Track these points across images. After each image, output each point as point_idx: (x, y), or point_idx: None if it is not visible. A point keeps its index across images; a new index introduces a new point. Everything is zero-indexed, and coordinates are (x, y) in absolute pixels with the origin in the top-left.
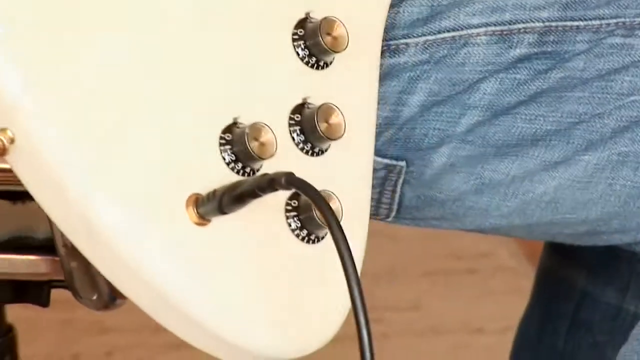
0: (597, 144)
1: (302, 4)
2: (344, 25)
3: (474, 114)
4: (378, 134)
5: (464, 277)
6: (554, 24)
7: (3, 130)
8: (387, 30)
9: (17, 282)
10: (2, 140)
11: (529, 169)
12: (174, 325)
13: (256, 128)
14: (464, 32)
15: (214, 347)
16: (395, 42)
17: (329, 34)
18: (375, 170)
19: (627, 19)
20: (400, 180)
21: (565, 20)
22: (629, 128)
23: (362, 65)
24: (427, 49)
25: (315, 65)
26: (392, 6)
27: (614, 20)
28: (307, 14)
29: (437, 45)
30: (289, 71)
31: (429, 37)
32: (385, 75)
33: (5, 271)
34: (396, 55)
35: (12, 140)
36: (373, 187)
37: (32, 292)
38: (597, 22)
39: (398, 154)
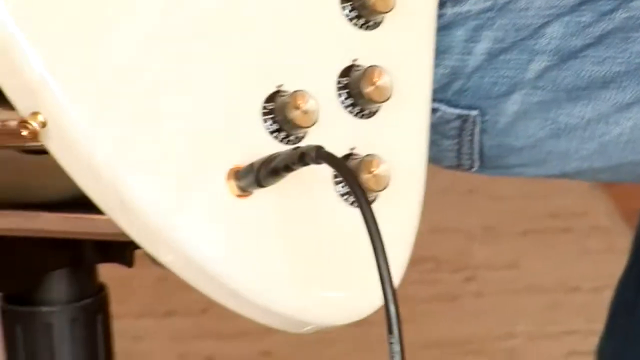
0: None
1: None
2: None
3: (542, 59)
4: (447, 85)
5: (560, 236)
6: None
7: (34, 114)
8: None
9: (100, 242)
10: (33, 125)
11: (603, 111)
12: (222, 298)
13: (297, 96)
14: None
15: (267, 319)
16: None
17: None
18: (448, 121)
19: None
20: (477, 130)
21: None
22: None
23: (415, 22)
24: None
25: (365, 25)
26: None
27: None
28: None
29: None
30: (337, 33)
31: None
32: (448, 25)
33: (88, 230)
34: (459, 5)
35: (43, 124)
36: (450, 137)
37: (116, 252)
38: None
39: (470, 104)
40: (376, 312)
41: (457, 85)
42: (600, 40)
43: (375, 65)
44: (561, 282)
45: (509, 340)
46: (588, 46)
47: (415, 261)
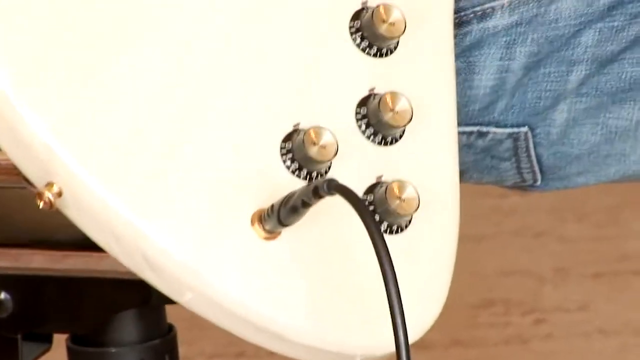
0: None
1: None
2: (399, 8)
3: (581, 68)
4: (491, 105)
5: (631, 279)
6: None
7: (49, 185)
8: None
9: None
10: (48, 197)
11: None
12: (268, 343)
13: (313, 132)
14: None
15: (313, 357)
16: (481, 6)
17: (384, 21)
18: (500, 141)
19: None
20: (531, 144)
21: None
22: None
23: (431, 42)
24: (514, 10)
25: (378, 53)
26: None
27: None
28: (364, 3)
29: (524, 4)
30: (350, 65)
31: None
32: (478, 43)
33: None
34: (484, 20)
35: (59, 194)
36: (506, 159)
37: None
38: None
39: (518, 121)
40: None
41: (501, 104)
42: (635, 42)
43: (391, 91)
44: (632, 326)
45: None
46: (624, 50)
47: (485, 304)
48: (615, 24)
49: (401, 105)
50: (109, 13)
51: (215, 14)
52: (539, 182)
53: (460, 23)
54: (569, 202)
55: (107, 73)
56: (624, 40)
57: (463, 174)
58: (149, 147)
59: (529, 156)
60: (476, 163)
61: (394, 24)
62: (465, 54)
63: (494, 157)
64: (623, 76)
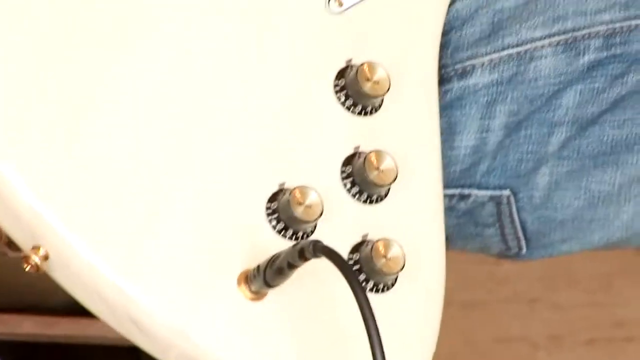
0: None
1: (342, 53)
2: (383, 67)
3: (562, 130)
4: (472, 166)
5: (625, 345)
6: (617, 25)
7: (35, 248)
8: (451, 54)
9: None
10: (35, 260)
11: (632, 175)
12: None
13: (299, 193)
14: (528, 46)
15: None
16: (462, 64)
17: (368, 79)
18: (482, 204)
19: None
20: (514, 209)
21: (630, 20)
22: None
23: (416, 101)
24: (494, 68)
25: (363, 112)
26: (454, 29)
27: None
28: (348, 61)
29: (504, 63)
30: (335, 123)
31: (494, 56)
32: (458, 100)
33: None
34: (465, 78)
35: (45, 257)
36: (490, 225)
37: None
38: None
39: (500, 184)
40: None
41: (483, 166)
42: (616, 104)
43: (376, 150)
44: None
45: None
46: (605, 111)
47: None
48: (596, 85)
49: (386, 163)
50: (82, 78)
51: (199, 73)
52: (524, 251)
53: (441, 80)
54: (561, 270)
55: (88, 135)
56: (604, 102)
57: (448, 241)
58: (135, 209)
59: (512, 221)
60: (460, 228)
61: (378, 82)
62: (447, 113)
63: (478, 223)
64: (604, 139)
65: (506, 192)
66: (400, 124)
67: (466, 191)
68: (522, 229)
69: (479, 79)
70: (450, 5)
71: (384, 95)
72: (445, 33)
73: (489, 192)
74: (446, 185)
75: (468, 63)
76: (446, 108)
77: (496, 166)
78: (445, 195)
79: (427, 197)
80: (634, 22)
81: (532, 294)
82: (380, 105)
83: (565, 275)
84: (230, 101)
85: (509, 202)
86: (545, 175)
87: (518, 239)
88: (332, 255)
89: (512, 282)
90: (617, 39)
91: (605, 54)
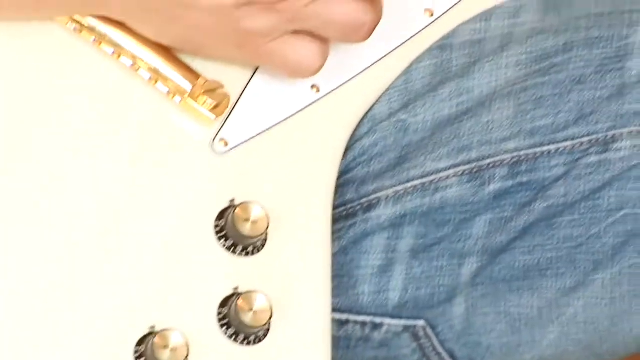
0: (604, 263)
1: (225, 193)
2: (261, 206)
3: (472, 260)
4: (382, 292)
5: None
6: (522, 152)
7: None
8: (357, 189)
9: None
10: None
11: (550, 298)
12: None
13: (161, 337)
14: (433, 177)
15: None
16: (367, 198)
17: (247, 220)
18: (397, 334)
19: (600, 135)
20: (436, 341)
21: (535, 147)
22: (629, 242)
23: (302, 239)
24: (399, 200)
25: (244, 252)
26: (360, 165)
27: (587, 139)
28: (231, 201)
29: (409, 194)
30: (214, 265)
31: (398, 188)
32: (363, 232)
33: None
34: (369, 211)
35: None
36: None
37: None
38: (569, 142)
39: (413, 315)
40: None
41: (393, 296)
42: (525, 231)
43: (250, 291)
44: None
45: None
46: (515, 239)
47: None
48: (505, 214)
49: (260, 305)
50: None
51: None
52: None
53: (346, 215)
54: None
55: None
56: (513, 231)
57: None
58: None
59: (438, 354)
60: None
61: (256, 222)
62: (352, 244)
63: (398, 356)
64: (516, 265)
65: (421, 322)
66: (284, 264)
67: (378, 320)
68: (451, 358)
69: (383, 210)
70: (357, 141)
71: (262, 234)
72: (351, 170)
73: (402, 322)
74: (358, 311)
75: (373, 196)
76: (350, 241)
77: (409, 300)
78: (356, 322)
79: (312, 336)
80: (539, 150)
81: None
82: (263, 245)
83: None
84: (108, 238)
85: (427, 335)
86: (461, 304)
87: None
88: None
89: None
90: (523, 167)
91: (511, 182)
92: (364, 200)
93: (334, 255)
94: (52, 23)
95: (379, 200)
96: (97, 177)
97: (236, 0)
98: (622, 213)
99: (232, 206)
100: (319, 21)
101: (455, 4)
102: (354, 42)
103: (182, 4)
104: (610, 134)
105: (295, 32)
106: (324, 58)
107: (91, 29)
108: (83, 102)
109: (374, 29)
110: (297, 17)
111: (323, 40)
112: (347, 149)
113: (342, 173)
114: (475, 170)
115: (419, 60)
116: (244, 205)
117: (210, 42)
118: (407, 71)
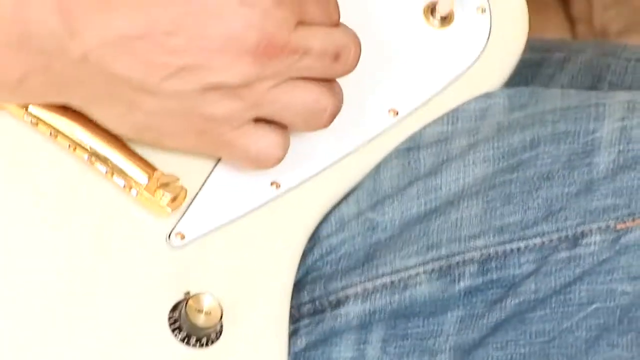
0: (577, 357)
1: (180, 285)
2: (213, 297)
3: (444, 357)
4: None
5: None
6: (492, 249)
7: None
8: (325, 285)
9: None
10: None
11: None
12: None
13: None
14: (402, 274)
15: None
16: (335, 295)
17: (199, 310)
18: None
19: (569, 231)
20: None
21: (504, 244)
22: (602, 336)
23: (258, 334)
24: (367, 297)
25: (198, 344)
26: (328, 263)
27: (556, 235)
28: (186, 294)
29: (377, 291)
30: (167, 357)
31: (367, 285)
32: (331, 329)
33: None
34: (338, 308)
35: None
36: None
37: None
38: (539, 239)
39: None
40: None
41: None
42: (497, 328)
43: None
44: None
45: None
46: (486, 336)
47: None
48: (476, 311)
49: None
50: None
51: (39, 300)
52: None
53: (315, 312)
54: None
55: None
56: (485, 328)
57: None
58: None
59: None
60: None
61: (209, 313)
62: (320, 340)
63: None
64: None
65: None
66: (238, 357)
67: None
68: None
69: (352, 307)
70: (325, 239)
71: (216, 325)
72: (318, 267)
73: None
74: None
75: (342, 293)
76: (320, 336)
77: None
78: None
79: None
80: (508, 247)
81: None
82: (217, 337)
83: None
84: (62, 322)
85: None
86: None
87: None
88: None
89: None
90: (493, 264)
91: (481, 279)
92: (332, 297)
93: (303, 351)
94: (8, 116)
95: (347, 297)
96: (55, 264)
97: (199, 85)
98: (593, 307)
99: (186, 299)
100: (280, 105)
101: (420, 105)
102: (316, 129)
103: (144, 89)
104: (580, 229)
105: (257, 121)
106: (285, 149)
107: (47, 123)
108: (40, 193)
109: (336, 115)
110: (259, 101)
111: (284, 130)
112: (314, 246)
113: (310, 270)
114: (444, 267)
115: (386, 160)
116: (196, 296)
117: (171, 129)
118: (375, 171)
